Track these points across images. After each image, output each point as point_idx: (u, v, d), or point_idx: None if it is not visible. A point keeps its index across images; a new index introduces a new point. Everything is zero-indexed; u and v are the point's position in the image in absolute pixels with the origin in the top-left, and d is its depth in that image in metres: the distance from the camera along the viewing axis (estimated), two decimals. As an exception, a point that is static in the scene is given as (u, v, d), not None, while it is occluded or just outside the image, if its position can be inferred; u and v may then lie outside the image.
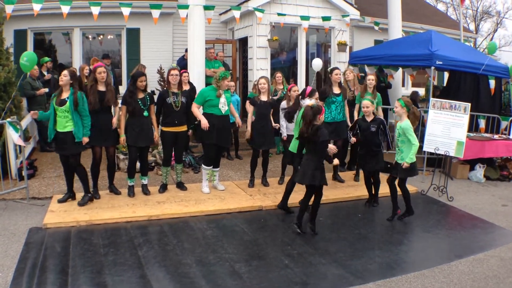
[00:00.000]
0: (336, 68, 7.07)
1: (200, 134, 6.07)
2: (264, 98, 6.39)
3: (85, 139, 5.34)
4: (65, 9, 7.61)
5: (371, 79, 7.09)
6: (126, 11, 8.02)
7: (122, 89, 9.43)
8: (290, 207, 5.61)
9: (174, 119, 5.97)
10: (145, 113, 5.81)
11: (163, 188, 6.23)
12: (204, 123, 5.81)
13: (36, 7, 7.39)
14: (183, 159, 6.78)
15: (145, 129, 5.81)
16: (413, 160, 5.21)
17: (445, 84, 9.93)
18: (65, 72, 5.31)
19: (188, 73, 7.78)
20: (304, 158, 4.90)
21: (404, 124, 5.26)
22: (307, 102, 5.25)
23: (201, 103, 5.96)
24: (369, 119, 5.76)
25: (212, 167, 6.25)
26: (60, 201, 5.61)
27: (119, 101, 5.88)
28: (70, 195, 5.69)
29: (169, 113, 5.97)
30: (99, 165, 5.86)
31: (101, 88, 5.62)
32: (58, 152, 5.53)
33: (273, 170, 7.48)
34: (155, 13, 8.31)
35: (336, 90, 6.86)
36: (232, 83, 8.06)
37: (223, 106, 5.96)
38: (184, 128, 6.10)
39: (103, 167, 5.98)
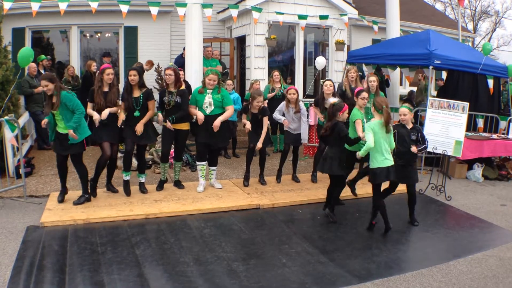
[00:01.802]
0: (329, 79, 6.97)
1: (193, 132, 6.15)
2: (254, 111, 6.35)
3: (70, 131, 5.13)
4: (63, 6, 7.57)
5: (372, 80, 6.99)
6: (124, 8, 8.00)
7: (120, 88, 9.39)
8: (341, 199, 5.93)
9: (167, 118, 5.95)
10: (136, 113, 5.70)
11: (161, 184, 6.23)
12: (200, 118, 5.89)
13: (35, 6, 7.35)
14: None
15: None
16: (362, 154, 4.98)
17: (443, 84, 9.93)
18: (43, 82, 5.11)
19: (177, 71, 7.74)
20: (330, 152, 5.22)
21: (370, 121, 5.07)
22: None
23: (193, 103, 6.01)
24: (409, 126, 5.40)
25: (205, 163, 6.24)
26: (60, 201, 5.55)
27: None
28: (64, 191, 5.63)
29: (165, 111, 5.98)
30: (107, 160, 5.75)
31: (106, 88, 5.61)
32: (59, 151, 5.40)
33: (270, 168, 7.47)
34: (154, 10, 8.29)
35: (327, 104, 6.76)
36: (230, 82, 8.09)
37: (207, 106, 5.96)
38: (183, 126, 6.07)
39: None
